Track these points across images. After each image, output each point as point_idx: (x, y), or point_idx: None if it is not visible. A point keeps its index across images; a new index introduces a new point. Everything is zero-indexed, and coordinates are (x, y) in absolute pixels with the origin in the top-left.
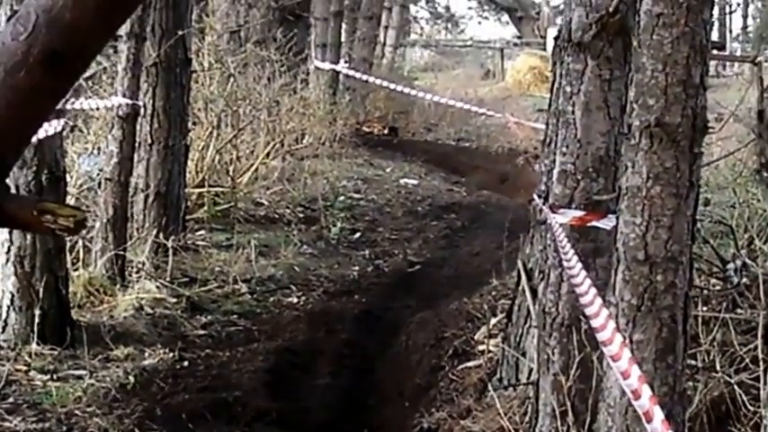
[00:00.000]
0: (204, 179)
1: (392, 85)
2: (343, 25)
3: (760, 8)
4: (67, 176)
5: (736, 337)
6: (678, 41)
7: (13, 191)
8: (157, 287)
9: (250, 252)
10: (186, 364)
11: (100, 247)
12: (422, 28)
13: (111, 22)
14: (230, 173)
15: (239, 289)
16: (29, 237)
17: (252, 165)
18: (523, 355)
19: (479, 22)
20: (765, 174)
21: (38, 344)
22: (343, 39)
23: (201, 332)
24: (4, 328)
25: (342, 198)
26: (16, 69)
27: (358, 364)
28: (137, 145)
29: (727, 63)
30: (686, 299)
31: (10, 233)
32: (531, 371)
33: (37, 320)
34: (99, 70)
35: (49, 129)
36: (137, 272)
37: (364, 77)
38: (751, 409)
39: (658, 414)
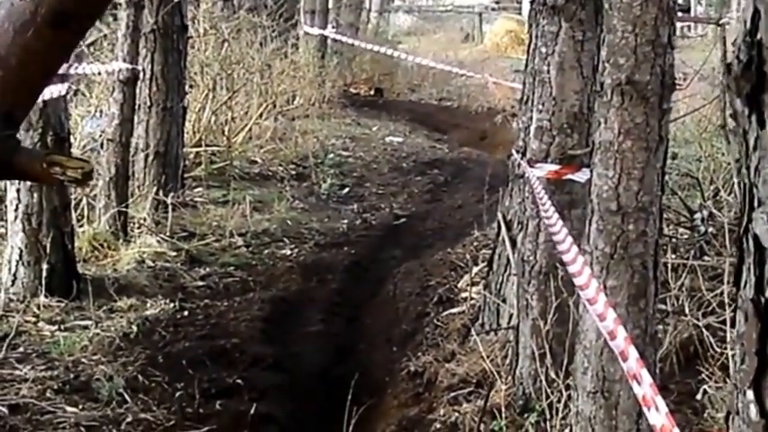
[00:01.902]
0: (201, 139)
1: (377, 48)
2: None
3: None
4: (71, 138)
5: (703, 282)
6: (647, 3)
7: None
8: (158, 241)
9: (245, 207)
10: (186, 313)
11: (103, 205)
12: None
13: None
14: (225, 133)
15: (235, 242)
16: (35, 195)
17: (246, 125)
18: (504, 301)
19: None
20: (733, 125)
21: (45, 296)
22: (330, 5)
23: (200, 283)
24: (13, 282)
25: (331, 156)
26: (25, 28)
27: (348, 311)
28: (137, 107)
29: (692, 25)
30: (656, 247)
31: (18, 192)
32: (511, 316)
33: (44, 274)
34: (100, 37)
35: (53, 92)
36: (138, 227)
37: (351, 41)
38: (717, 350)
39: (633, 353)
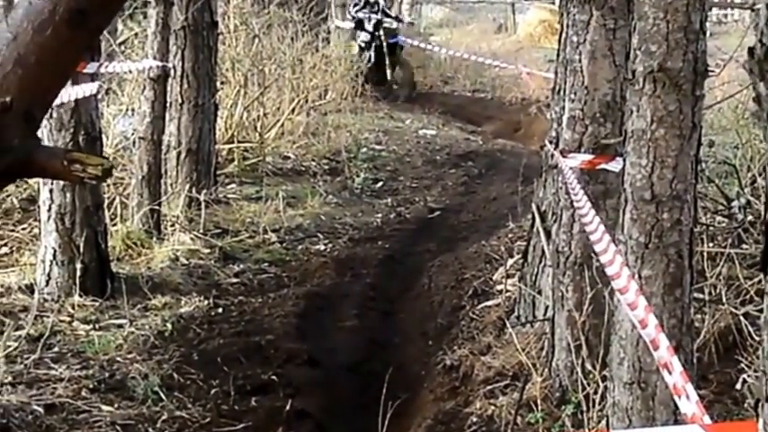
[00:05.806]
0: (233, 135)
1: (410, 41)
2: None
3: None
4: (103, 137)
5: (741, 271)
6: None
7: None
8: (192, 239)
9: (278, 203)
10: (220, 310)
11: (136, 203)
12: None
13: None
14: (258, 129)
15: (269, 238)
16: (68, 194)
17: (278, 120)
18: (539, 293)
19: None
20: (758, 108)
21: (80, 296)
22: None
23: (234, 280)
24: (47, 282)
25: (364, 150)
26: (43, 27)
27: (382, 306)
28: (168, 105)
29: (729, 11)
30: (691, 235)
31: (50, 192)
32: (546, 308)
33: (78, 273)
34: (131, 35)
35: (85, 91)
36: (172, 225)
37: None
38: (756, 338)
39: (664, 341)
